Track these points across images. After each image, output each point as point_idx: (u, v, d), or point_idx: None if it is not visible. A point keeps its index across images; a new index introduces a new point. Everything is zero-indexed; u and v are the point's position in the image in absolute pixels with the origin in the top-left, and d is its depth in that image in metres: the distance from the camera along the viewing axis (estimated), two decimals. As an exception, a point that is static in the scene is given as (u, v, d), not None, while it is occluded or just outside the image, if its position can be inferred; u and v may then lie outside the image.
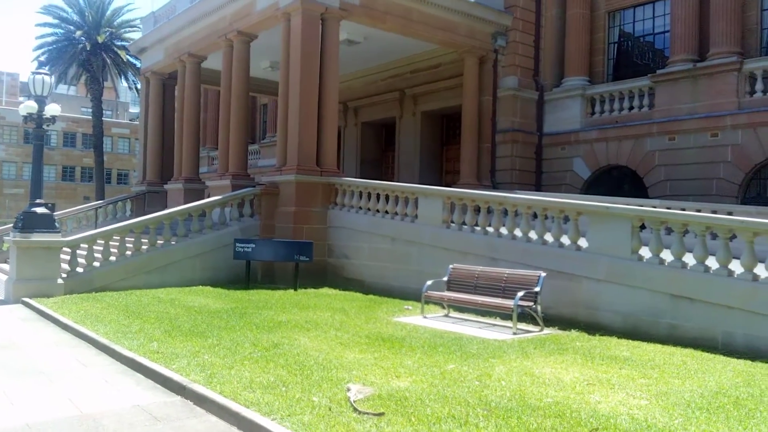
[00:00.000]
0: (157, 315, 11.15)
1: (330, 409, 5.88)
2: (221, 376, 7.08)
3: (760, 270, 9.12)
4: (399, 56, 23.98)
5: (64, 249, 14.58)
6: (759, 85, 17.53)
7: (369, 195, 16.15)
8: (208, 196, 19.98)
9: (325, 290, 15.27)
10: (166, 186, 24.52)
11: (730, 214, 14.06)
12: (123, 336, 9.43)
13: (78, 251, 14.98)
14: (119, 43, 42.22)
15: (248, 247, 15.22)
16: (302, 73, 17.25)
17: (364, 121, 28.04)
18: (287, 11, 17.75)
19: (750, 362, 8.23)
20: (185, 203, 19.53)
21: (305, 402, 6.11)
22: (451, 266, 12.31)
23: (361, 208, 16.31)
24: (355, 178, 21.93)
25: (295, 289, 14.97)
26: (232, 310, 11.76)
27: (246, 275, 15.43)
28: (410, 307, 12.61)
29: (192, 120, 23.55)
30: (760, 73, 17.53)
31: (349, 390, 6.39)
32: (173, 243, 15.77)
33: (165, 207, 22.44)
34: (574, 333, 10.21)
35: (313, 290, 15.11)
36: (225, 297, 13.58)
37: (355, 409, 5.83)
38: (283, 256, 15.36)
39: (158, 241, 15.65)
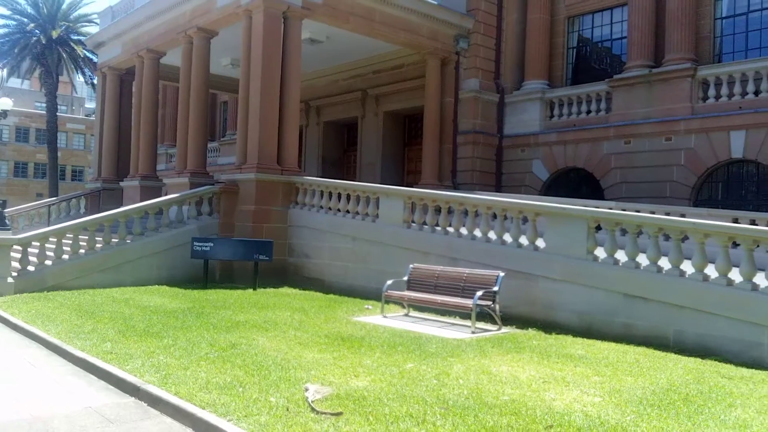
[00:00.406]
0: (111, 315, 10.90)
1: (288, 410, 5.83)
2: (176, 377, 6.95)
3: (710, 270, 9.38)
4: (362, 56, 23.96)
5: (15, 247, 14.12)
6: (711, 91, 18.05)
7: (330, 194, 16.09)
8: (166, 194, 19.60)
9: (285, 290, 15.16)
10: (122, 183, 24.01)
11: (682, 216, 14.42)
12: (75, 336, 9.19)
13: (30, 249, 14.54)
14: (76, 38, 41.13)
15: (206, 246, 15.00)
16: (263, 71, 17.09)
17: (326, 120, 27.93)
18: (249, 8, 17.56)
19: (700, 360, 8.47)
20: (142, 201, 19.13)
21: (262, 402, 6.04)
22: (411, 266, 12.35)
23: (322, 207, 16.24)
24: (317, 177, 21.85)
25: (255, 289, 14.81)
26: (188, 309, 11.56)
27: (204, 274, 15.21)
28: (371, 307, 12.60)
29: (149, 116, 23.11)
30: (713, 79, 18.06)
31: (307, 390, 6.35)
32: (129, 241, 15.44)
33: (121, 205, 21.96)
34: (531, 332, 10.34)
35: (272, 290, 14.97)
36: (182, 296, 13.35)
37: (313, 409, 5.80)
38: (243, 255, 15.18)
39: (113, 240, 15.31)
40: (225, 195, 17.18)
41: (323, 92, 26.90)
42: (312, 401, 6.00)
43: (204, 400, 6.15)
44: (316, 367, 7.35)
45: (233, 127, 32.11)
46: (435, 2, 20.98)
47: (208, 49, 20.19)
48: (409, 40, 20.70)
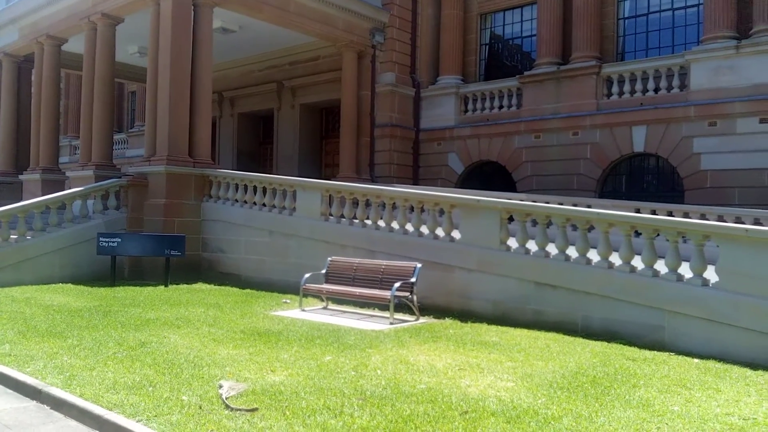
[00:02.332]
0: (10, 315, 10.22)
1: (200, 408, 5.65)
2: (82, 378, 6.60)
3: (614, 258, 9.82)
4: (277, 47, 23.58)
5: None
6: (615, 88, 18.94)
7: (245, 187, 15.76)
8: (69, 188, 18.59)
9: (199, 285, 14.72)
10: (21, 176, 22.61)
11: (588, 207, 15.06)
12: (-33, 340, 8.56)
13: None
14: (-34, 20, 38.30)
15: (113, 242, 14.32)
16: (173, 60, 16.49)
17: (240, 112, 27.35)
18: (156, -6, 16.90)
19: (606, 343, 8.86)
20: (43, 195, 18.09)
21: (174, 401, 5.83)
22: (329, 258, 12.29)
23: (237, 200, 15.87)
24: (232, 170, 21.38)
25: (166, 286, 14.30)
26: (95, 308, 11.02)
27: (111, 271, 14.53)
28: (288, 301, 12.44)
29: (51, 106, 21.85)
30: (616, 77, 18.95)
31: (221, 387, 6.17)
32: (29, 238, 14.54)
33: (20, 199, 20.67)
34: (448, 321, 10.51)
35: (186, 286, 14.51)
36: (88, 295, 12.71)
37: (227, 406, 5.64)
38: (153, 250, 14.60)
39: (12, 236, 14.37)
40: (133, 188, 16.47)
41: (238, 83, 26.30)
42: (226, 398, 5.84)
43: (111, 400, 5.86)
44: (231, 364, 7.17)
45: (142, 118, 30.84)
46: (350, -6, 20.94)
47: (113, 37, 19.28)
48: (325, 31, 20.54)
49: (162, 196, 16.08)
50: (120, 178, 16.95)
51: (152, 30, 17.20)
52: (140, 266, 15.84)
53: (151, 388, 6.23)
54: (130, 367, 7.05)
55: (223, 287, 14.50)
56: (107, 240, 14.32)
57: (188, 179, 16.44)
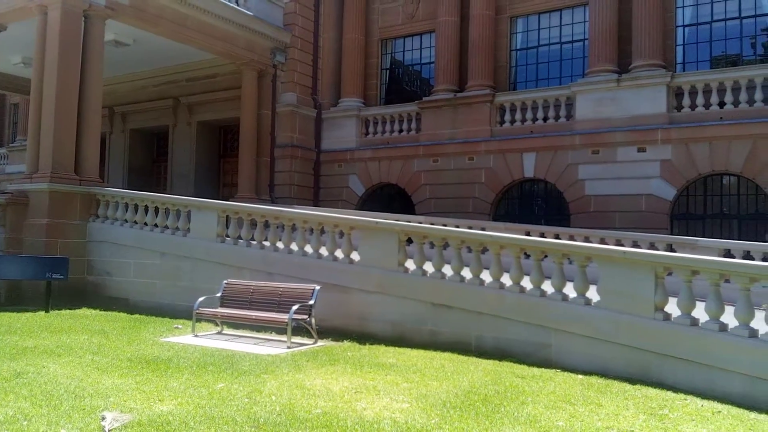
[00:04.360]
0: None
1: (80, 442, 5.30)
2: (-56, 415, 6.02)
3: (505, 279, 10.19)
4: (173, 63, 22.93)
5: None
6: (507, 116, 19.82)
7: (136, 207, 15.11)
8: (-62, 206, 17.12)
9: (84, 311, 13.88)
10: None
11: (483, 229, 15.62)
12: None
13: None
14: None
15: (-12, 265, 13.29)
16: (59, 73, 15.65)
17: (133, 128, 26.31)
18: (43, 4, 16.02)
19: (498, 362, 9.15)
20: None
21: (50, 436, 5.43)
22: (225, 281, 11.97)
23: (126, 221, 15.18)
24: (122, 188, 20.46)
25: (47, 311, 13.39)
26: (-36, 337, 10.13)
27: (-15, 297, 13.47)
28: (180, 326, 11.97)
29: None
30: (509, 105, 19.84)
31: (104, 419, 5.83)
32: None
33: None
34: (346, 343, 10.49)
35: (68, 311, 13.64)
36: (-44, 322, 11.68)
37: (110, 439, 5.33)
38: (33, 273, 13.65)
39: None
40: (12, 207, 15.38)
41: (130, 98, 25.31)
42: (109, 430, 5.52)
43: (-22, 439, 5.39)
44: (115, 394, 6.79)
45: (25, 133, 28.97)
46: (251, 14, 20.76)
47: (-6, 45, 18.11)
48: (224, 49, 20.23)
49: (44, 216, 15.11)
50: (-3, 195, 15.81)
51: (38, 40, 16.28)
52: (19, 290, 14.76)
53: (26, 422, 5.78)
54: (3, 400, 6.52)
55: (109, 312, 13.75)
56: (-20, 262, 13.26)
57: (73, 198, 15.57)
